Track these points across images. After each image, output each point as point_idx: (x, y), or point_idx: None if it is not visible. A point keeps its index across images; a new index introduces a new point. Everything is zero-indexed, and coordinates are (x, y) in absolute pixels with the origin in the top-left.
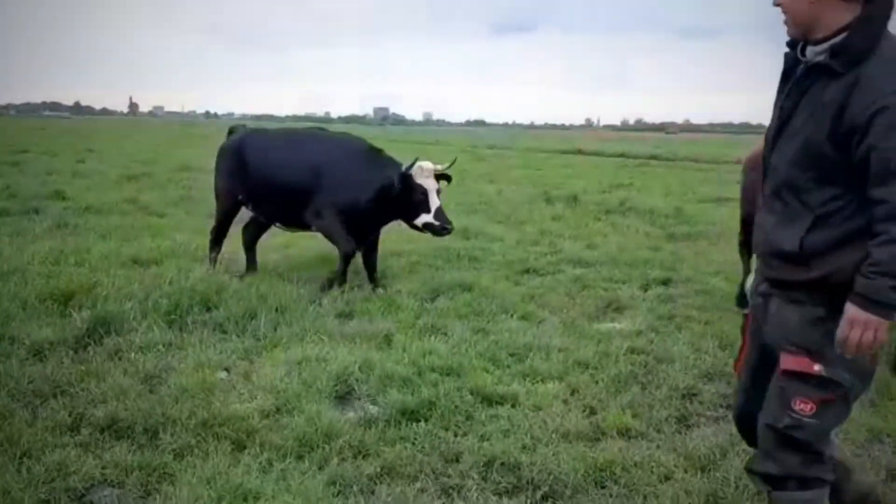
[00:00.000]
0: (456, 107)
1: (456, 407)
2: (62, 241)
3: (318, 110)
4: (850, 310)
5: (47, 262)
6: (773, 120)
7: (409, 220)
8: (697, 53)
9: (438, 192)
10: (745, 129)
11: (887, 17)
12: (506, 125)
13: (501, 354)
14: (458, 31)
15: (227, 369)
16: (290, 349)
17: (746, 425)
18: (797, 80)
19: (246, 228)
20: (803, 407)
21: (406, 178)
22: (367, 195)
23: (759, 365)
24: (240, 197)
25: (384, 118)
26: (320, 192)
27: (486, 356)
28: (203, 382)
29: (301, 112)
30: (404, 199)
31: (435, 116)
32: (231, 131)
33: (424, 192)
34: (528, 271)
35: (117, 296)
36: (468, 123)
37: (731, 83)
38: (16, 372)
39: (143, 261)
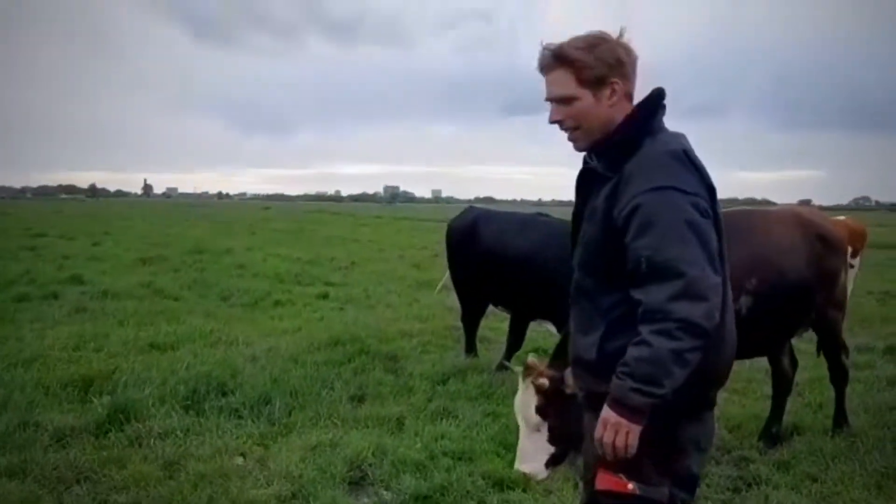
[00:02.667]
0: (465, 184)
1: (468, 492)
2: (81, 327)
3: (329, 189)
4: (604, 409)
5: (68, 348)
6: (573, 224)
7: None
8: (703, 132)
9: None
10: (749, 203)
11: (649, 116)
12: (514, 202)
13: (512, 438)
14: (472, 112)
15: (243, 455)
16: (304, 434)
17: None
18: (580, 184)
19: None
20: None
21: None
22: None
23: None
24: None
25: (394, 196)
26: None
27: (497, 440)
28: (220, 468)
29: (312, 191)
30: None
31: (444, 194)
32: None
33: None
34: (536, 350)
35: (136, 382)
36: (477, 200)
37: (735, 160)
38: (40, 458)
39: (160, 346)
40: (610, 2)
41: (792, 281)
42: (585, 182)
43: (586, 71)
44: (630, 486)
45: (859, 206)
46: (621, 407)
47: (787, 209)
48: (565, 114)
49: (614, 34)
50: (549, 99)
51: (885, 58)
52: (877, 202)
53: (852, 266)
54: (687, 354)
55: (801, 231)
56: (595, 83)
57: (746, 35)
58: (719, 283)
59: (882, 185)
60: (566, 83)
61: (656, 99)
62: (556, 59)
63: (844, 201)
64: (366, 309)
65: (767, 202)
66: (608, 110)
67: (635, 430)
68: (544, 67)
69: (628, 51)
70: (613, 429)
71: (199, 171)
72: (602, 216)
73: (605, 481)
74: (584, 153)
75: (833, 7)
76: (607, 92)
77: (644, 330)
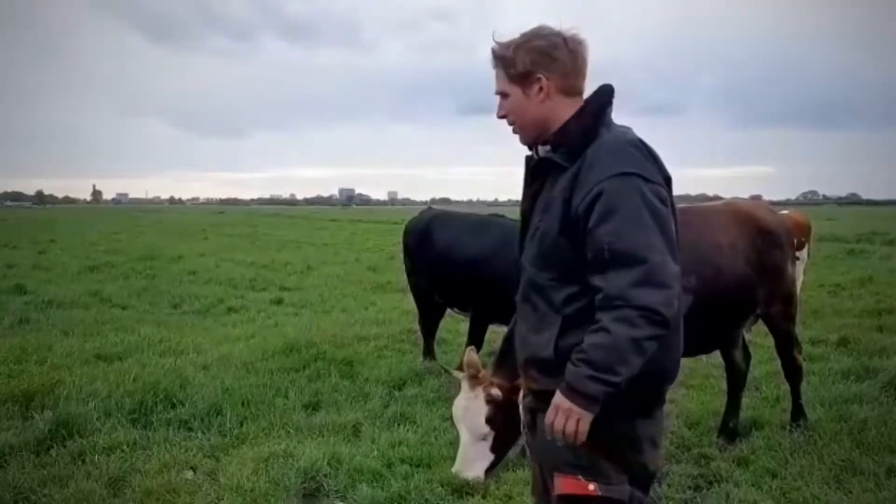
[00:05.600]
0: (422, 186)
1: (426, 500)
2: (23, 339)
3: (284, 192)
4: (557, 395)
5: (8, 362)
6: (521, 223)
7: None
8: (658, 131)
9: None
10: (702, 199)
11: (602, 108)
12: (470, 202)
13: None
14: (429, 113)
15: (192, 468)
16: (256, 445)
17: None
18: (530, 180)
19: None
20: None
21: None
22: None
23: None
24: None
25: (349, 199)
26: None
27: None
28: (168, 484)
29: (266, 195)
30: None
31: (400, 196)
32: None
33: None
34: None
35: (80, 395)
36: (434, 201)
37: (689, 158)
38: None
39: (106, 356)
40: (567, 4)
41: (731, 278)
42: (538, 174)
43: (509, 68)
44: (591, 486)
45: (808, 201)
46: (575, 394)
47: (727, 203)
48: (505, 109)
49: (559, 28)
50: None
51: (830, 56)
52: (824, 196)
53: (798, 259)
54: (645, 343)
55: (739, 226)
56: (520, 78)
57: (698, 36)
58: (678, 271)
59: (829, 180)
60: (500, 80)
61: (608, 92)
62: (494, 58)
63: (793, 196)
64: (321, 314)
65: (719, 198)
66: (538, 106)
67: (587, 418)
68: (492, 65)
69: (570, 45)
70: (565, 415)
71: (151, 176)
72: (560, 206)
73: (565, 485)
74: (528, 151)
75: (780, 8)
76: (535, 88)
77: (604, 317)
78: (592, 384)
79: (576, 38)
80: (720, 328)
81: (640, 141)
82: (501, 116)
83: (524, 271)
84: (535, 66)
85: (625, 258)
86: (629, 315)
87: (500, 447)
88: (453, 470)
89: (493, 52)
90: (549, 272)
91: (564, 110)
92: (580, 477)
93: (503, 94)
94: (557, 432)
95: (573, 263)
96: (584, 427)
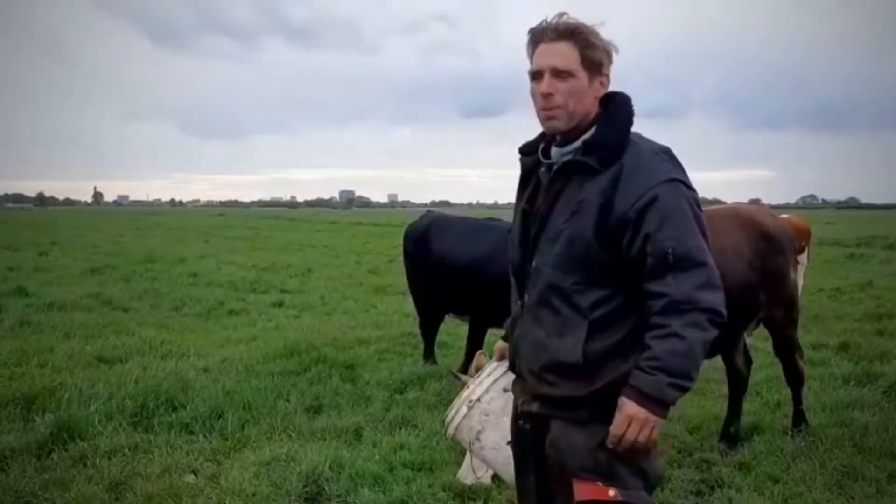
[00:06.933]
0: (422, 188)
1: None
2: (25, 341)
3: (285, 195)
4: (627, 405)
5: (10, 364)
6: (519, 225)
7: None
8: (660, 135)
9: None
10: (701, 203)
11: (632, 116)
12: (470, 205)
13: None
14: (429, 115)
15: (194, 472)
16: (258, 449)
17: None
18: (549, 182)
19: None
20: None
21: None
22: None
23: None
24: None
25: (349, 201)
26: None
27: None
28: (170, 488)
29: (267, 197)
30: None
31: (400, 198)
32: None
33: None
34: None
35: (81, 398)
36: (433, 204)
37: (689, 162)
38: None
39: (107, 359)
40: (567, 6)
41: (735, 283)
42: (559, 176)
43: (594, 53)
44: (611, 492)
45: (807, 205)
46: (654, 403)
47: (729, 208)
48: (557, 88)
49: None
50: (541, 70)
51: (829, 59)
52: (823, 200)
53: (798, 263)
54: (709, 344)
55: (743, 231)
56: (594, 67)
57: (698, 39)
58: None
59: (828, 184)
60: (570, 58)
61: (630, 101)
62: (568, 32)
63: (792, 200)
64: (322, 316)
65: (718, 201)
66: (592, 99)
67: (660, 425)
68: (547, 36)
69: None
70: (640, 425)
71: (152, 178)
72: (596, 211)
73: (585, 491)
74: (527, 150)
75: (779, 11)
76: (598, 81)
77: (672, 322)
78: (672, 391)
79: None
80: (722, 333)
81: (670, 150)
82: (549, 94)
83: (539, 274)
84: (606, 63)
85: (686, 262)
86: (698, 319)
87: None
88: (458, 476)
89: (576, 28)
90: (576, 276)
91: (593, 113)
92: (599, 483)
93: (566, 73)
94: (627, 442)
95: (604, 267)
96: (657, 434)
